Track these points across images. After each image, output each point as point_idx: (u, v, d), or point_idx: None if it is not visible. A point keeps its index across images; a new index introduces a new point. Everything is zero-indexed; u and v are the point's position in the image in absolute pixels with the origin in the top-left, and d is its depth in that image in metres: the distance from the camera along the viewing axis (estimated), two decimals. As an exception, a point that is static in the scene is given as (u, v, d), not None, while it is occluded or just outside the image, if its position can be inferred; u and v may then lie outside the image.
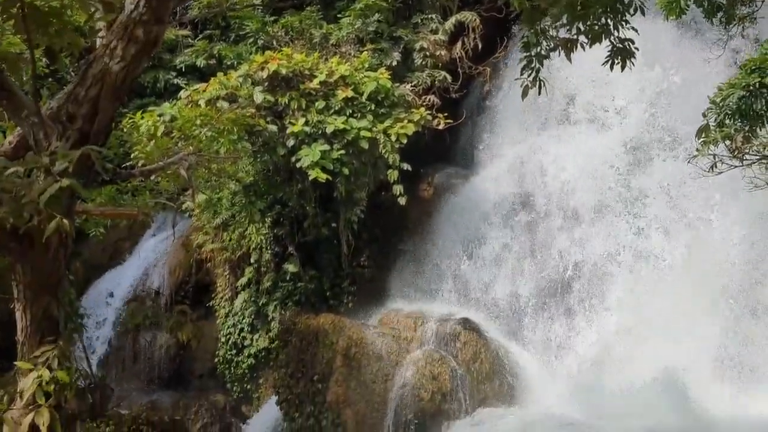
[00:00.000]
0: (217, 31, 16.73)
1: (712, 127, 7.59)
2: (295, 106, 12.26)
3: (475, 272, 13.39)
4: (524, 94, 6.39)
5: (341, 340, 11.41)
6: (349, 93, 12.42)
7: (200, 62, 16.05)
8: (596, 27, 6.04)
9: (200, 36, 16.80)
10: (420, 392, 10.85)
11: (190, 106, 11.70)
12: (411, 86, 13.89)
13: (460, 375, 11.08)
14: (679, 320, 10.75)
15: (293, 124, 12.12)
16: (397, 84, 13.23)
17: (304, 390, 11.43)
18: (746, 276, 11.07)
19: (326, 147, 11.98)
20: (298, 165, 11.96)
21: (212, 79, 12.34)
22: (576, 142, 13.23)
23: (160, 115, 10.54)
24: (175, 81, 16.16)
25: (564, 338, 12.18)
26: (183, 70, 16.41)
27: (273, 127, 12.18)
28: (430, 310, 12.42)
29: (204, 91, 12.07)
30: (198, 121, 10.56)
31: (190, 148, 10.52)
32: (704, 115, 7.73)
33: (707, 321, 10.90)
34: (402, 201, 12.43)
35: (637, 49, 6.20)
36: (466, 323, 11.83)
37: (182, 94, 12.39)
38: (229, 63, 15.10)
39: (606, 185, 12.59)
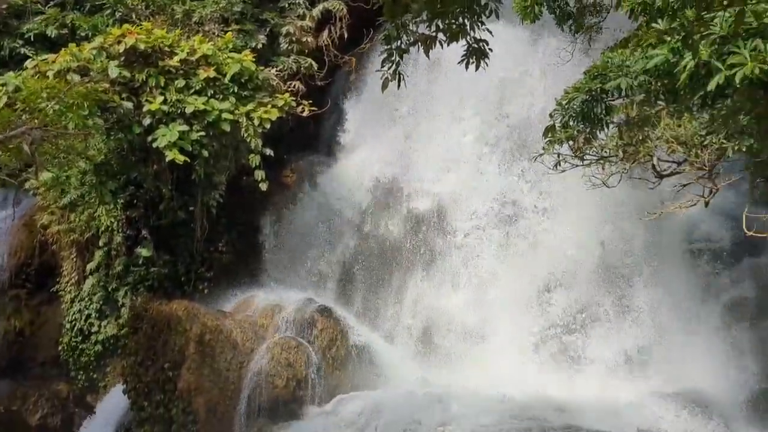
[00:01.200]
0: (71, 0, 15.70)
1: (557, 128, 8.03)
2: (153, 84, 11.79)
3: (335, 260, 13.51)
4: (384, 86, 6.46)
5: (195, 327, 11.15)
6: (212, 73, 12.09)
7: (51, 31, 14.99)
8: (454, 26, 6.20)
9: (52, 3, 15.68)
10: (275, 380, 10.84)
11: (37, 77, 10.99)
12: (276, 71, 13.72)
13: (316, 362, 11.15)
14: (514, 305, 11.44)
15: (150, 102, 11.65)
16: (262, 67, 13.02)
17: (154, 378, 11.07)
18: (576, 267, 11.90)
19: (185, 128, 11.62)
20: (154, 145, 11.53)
21: (63, 50, 11.61)
22: (436, 134, 13.60)
23: (2, 85, 9.82)
24: (22, 50, 14.98)
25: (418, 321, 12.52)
26: (31, 39, 15.23)
27: (128, 104, 11.65)
28: (287, 297, 12.33)
29: (53, 62, 11.35)
30: (45, 94, 9.96)
31: (35, 121, 9.91)
32: (551, 116, 8.15)
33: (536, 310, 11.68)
34: (263, 187, 12.26)
35: (491, 50, 6.44)
36: (324, 310, 11.90)
37: (29, 63, 11.60)
38: (83, 34, 14.23)
39: (462, 174, 13.10)
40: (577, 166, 8.24)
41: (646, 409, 10.03)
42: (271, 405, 10.75)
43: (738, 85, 5.70)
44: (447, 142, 13.41)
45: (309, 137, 14.85)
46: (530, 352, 11.63)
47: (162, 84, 11.85)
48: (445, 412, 9.55)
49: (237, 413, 10.75)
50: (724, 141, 7.07)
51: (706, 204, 7.80)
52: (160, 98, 11.69)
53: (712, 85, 5.81)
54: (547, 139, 8.07)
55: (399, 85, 6.54)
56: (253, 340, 11.31)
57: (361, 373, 11.48)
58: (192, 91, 11.97)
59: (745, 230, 7.85)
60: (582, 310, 11.83)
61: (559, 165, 8.26)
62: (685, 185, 7.97)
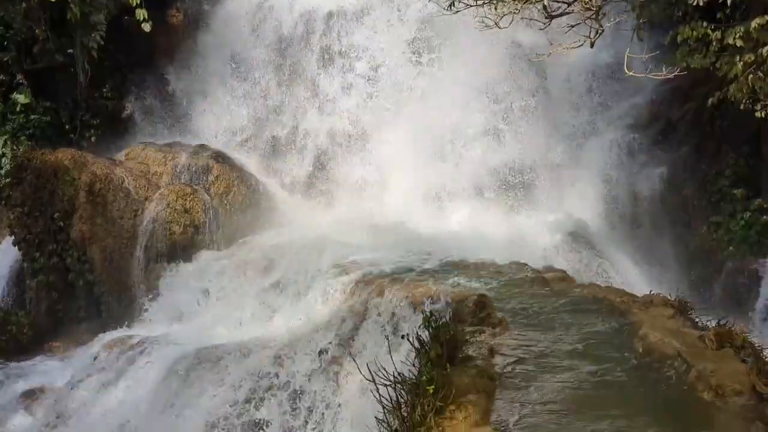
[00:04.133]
0: None
1: (453, -33, 7.87)
2: None
3: (234, 102, 13.21)
4: None
5: (84, 176, 10.88)
6: None
7: None
8: None
9: None
10: (171, 226, 10.90)
11: None
12: None
13: (213, 208, 11.22)
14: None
15: (11, -69, 10.49)
16: None
17: (45, 228, 10.87)
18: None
19: (55, -40, 10.58)
20: (20, -21, 10.53)
21: None
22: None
23: None
24: None
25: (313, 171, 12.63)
26: None
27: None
28: (181, 143, 12.16)
29: None
30: None
31: None
32: (446, -46, 7.95)
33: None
34: (146, 27, 11.48)
35: None
36: (219, 156, 11.82)
37: None
38: None
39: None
40: (470, 6, 8.18)
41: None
42: (170, 251, 10.86)
43: None
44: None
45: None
46: (419, 194, 11.91)
47: None
48: (343, 250, 9.78)
49: (134, 259, 10.84)
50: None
51: (592, 44, 7.98)
52: (22, -75, 10.54)
53: None
54: (441, -22, 7.93)
55: None
56: (146, 188, 11.20)
57: (261, 218, 11.62)
58: None
59: (626, 70, 8.15)
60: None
61: (453, 5, 8.18)
62: (573, 26, 8.08)
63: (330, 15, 12.93)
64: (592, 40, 7.91)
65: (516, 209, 11.75)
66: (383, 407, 4.81)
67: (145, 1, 11.43)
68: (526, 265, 8.62)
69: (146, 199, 11.06)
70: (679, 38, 8.78)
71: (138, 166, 11.45)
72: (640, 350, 5.41)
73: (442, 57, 12.36)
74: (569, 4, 8.18)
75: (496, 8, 8.03)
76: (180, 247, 10.92)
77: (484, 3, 8.09)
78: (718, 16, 8.73)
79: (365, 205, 11.63)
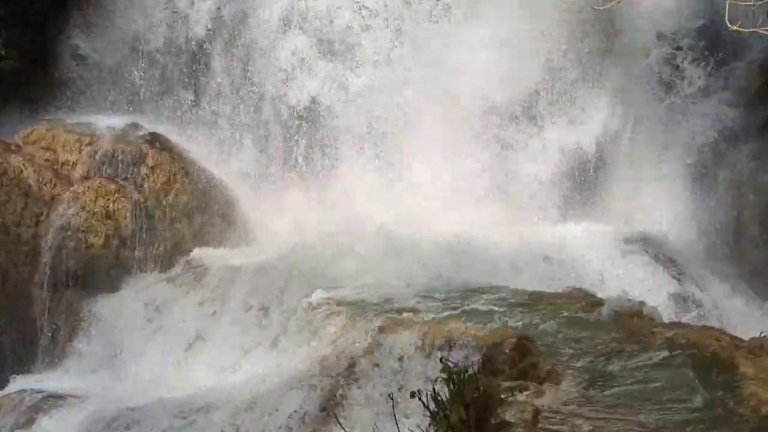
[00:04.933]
0: None
1: None
2: None
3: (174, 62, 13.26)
4: None
5: (-35, 166, 10.89)
6: None
7: None
8: None
9: None
10: (88, 237, 10.90)
11: None
12: None
13: (148, 211, 11.21)
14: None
15: None
16: None
17: None
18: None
19: None
20: None
21: None
22: None
23: None
24: None
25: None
26: None
27: None
28: (102, 122, 12.11)
29: None
30: None
31: None
32: None
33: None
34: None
35: None
36: (156, 140, 11.81)
37: None
38: None
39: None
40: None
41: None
42: (86, 272, 10.87)
43: None
44: None
45: None
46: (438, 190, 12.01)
47: None
48: (333, 270, 9.78)
49: (36, 282, 10.81)
50: None
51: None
52: None
53: None
54: None
55: None
56: (54, 183, 11.19)
57: (217, 226, 11.65)
58: None
59: (728, 23, 8.09)
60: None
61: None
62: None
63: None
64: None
65: (567, 214, 11.99)
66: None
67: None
68: (585, 292, 8.59)
69: (53, 198, 11.03)
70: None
71: (42, 153, 11.42)
72: (748, 418, 5.37)
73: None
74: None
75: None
76: (100, 266, 10.92)
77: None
78: None
79: (367, 206, 11.62)
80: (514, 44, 12.19)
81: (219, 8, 13.18)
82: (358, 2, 12.86)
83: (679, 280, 10.81)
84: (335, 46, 12.93)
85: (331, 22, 12.91)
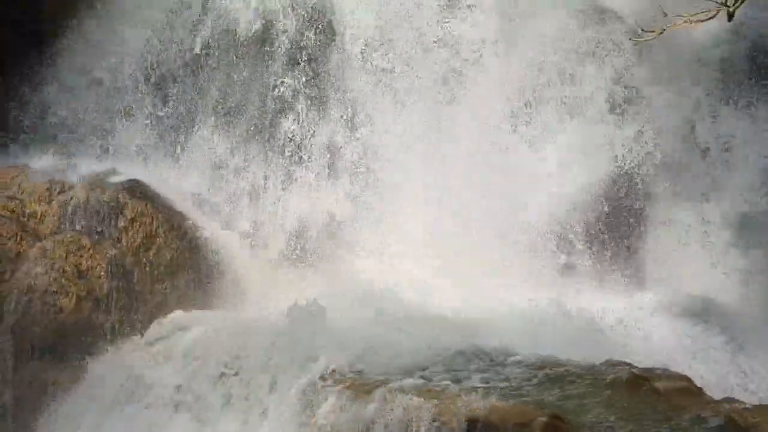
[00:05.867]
0: None
1: None
2: None
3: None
4: None
5: None
6: None
7: None
8: None
9: None
10: (58, 299, 10.82)
11: None
12: None
13: (125, 269, 11.19)
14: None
15: None
16: None
17: None
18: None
19: None
20: None
21: None
22: None
23: None
24: None
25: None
26: None
27: None
28: (77, 167, 12.19)
29: None
30: None
31: None
32: None
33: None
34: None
35: None
36: (136, 188, 11.81)
37: None
38: None
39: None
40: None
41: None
42: (55, 338, 10.75)
43: None
44: None
45: None
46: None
47: None
48: (329, 342, 9.77)
49: (-1, 353, 10.77)
50: None
51: (730, 17, 7.95)
52: None
53: None
54: None
55: None
56: (20, 237, 11.13)
57: (202, 287, 11.67)
58: None
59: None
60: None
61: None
62: (699, -13, 8.06)
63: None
64: (731, 8, 7.86)
65: (595, 276, 12.12)
66: None
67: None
68: (625, 364, 8.52)
69: (18, 255, 10.98)
70: None
71: (6, 203, 11.40)
72: None
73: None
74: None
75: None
76: (71, 332, 10.80)
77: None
78: None
79: (367, 270, 11.70)
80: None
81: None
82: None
83: (730, 349, 10.78)
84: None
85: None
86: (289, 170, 12.84)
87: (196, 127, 13.22)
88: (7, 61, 13.33)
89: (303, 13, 13.24)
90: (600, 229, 12.31)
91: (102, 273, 10.98)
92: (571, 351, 9.03)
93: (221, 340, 10.26)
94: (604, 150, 12.52)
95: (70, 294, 10.83)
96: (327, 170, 12.89)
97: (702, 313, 11.22)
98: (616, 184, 12.45)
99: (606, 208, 12.36)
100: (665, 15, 8.62)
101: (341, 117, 12.92)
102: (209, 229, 12.06)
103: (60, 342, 10.77)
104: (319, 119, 12.95)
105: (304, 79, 13.05)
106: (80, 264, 10.96)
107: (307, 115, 12.92)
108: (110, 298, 10.95)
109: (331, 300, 10.38)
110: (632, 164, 12.45)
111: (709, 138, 12.56)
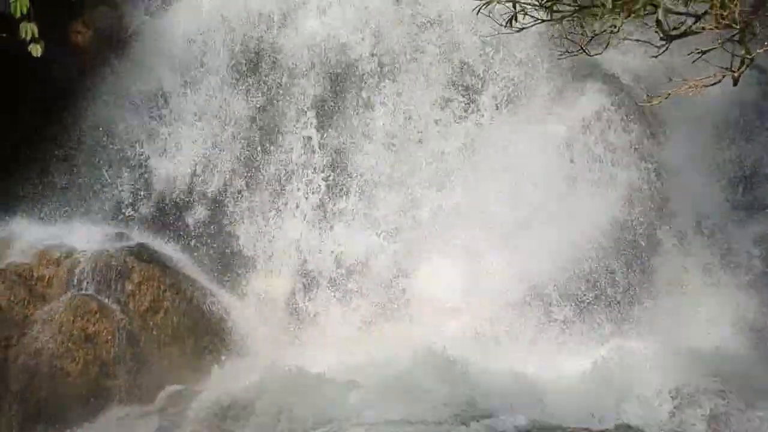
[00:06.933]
0: None
1: (514, -40, 7.98)
2: None
3: (163, 164, 13.48)
4: None
5: None
6: None
7: None
8: None
9: None
10: (65, 363, 10.84)
11: None
12: None
13: (132, 334, 11.19)
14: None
15: None
16: None
17: None
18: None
19: None
20: None
21: None
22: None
23: None
24: None
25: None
26: None
27: None
28: (84, 232, 12.30)
29: None
30: None
31: None
32: (503, -62, 8.09)
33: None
34: (36, 51, 11.75)
35: None
36: (144, 252, 11.90)
37: None
38: None
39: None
40: (542, 21, 8.25)
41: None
42: (61, 403, 10.73)
43: None
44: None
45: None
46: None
47: None
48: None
49: (3, 416, 10.65)
50: (766, -18, 7.19)
51: (735, 81, 7.99)
52: None
53: None
54: (497, -24, 8.03)
55: None
56: (27, 301, 11.19)
57: (210, 353, 11.66)
58: None
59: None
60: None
61: (516, 20, 8.26)
62: (705, 52, 8.11)
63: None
64: (736, 73, 7.91)
65: (605, 331, 11.90)
66: None
67: (38, 12, 11.83)
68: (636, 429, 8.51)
69: (26, 319, 11.03)
70: None
71: (14, 268, 11.47)
72: None
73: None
74: (698, 18, 8.25)
75: (582, 24, 8.09)
76: (78, 398, 10.80)
77: (564, 16, 8.17)
78: None
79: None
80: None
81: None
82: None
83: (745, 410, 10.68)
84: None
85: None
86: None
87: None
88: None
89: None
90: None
91: (109, 337, 10.98)
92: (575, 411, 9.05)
93: (223, 411, 10.23)
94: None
95: (77, 359, 10.84)
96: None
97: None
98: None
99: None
100: (670, 80, 8.67)
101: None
102: (216, 293, 12.11)
103: (67, 407, 10.74)
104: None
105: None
106: (87, 328, 10.96)
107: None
108: (117, 362, 10.95)
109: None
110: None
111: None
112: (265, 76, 13.57)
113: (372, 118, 13.18)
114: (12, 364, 10.81)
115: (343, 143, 13.20)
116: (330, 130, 13.22)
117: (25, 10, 11.44)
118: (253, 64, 13.60)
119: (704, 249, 12.43)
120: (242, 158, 13.40)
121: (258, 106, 13.54)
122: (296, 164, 13.24)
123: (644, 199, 12.44)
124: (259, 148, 13.43)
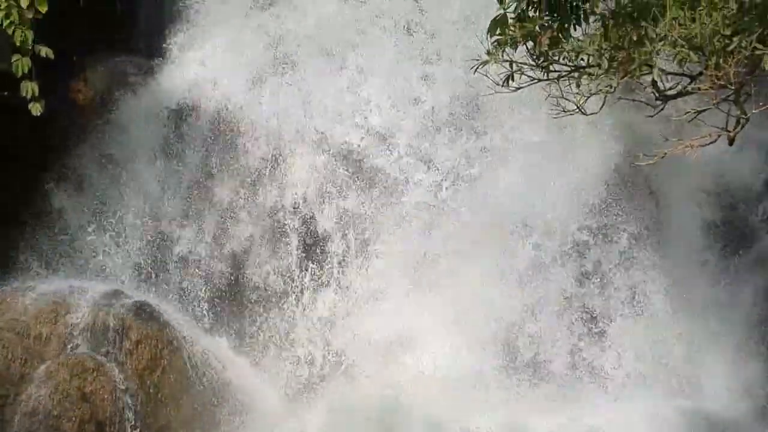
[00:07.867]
0: None
1: (510, 21, 8.08)
2: None
3: (161, 223, 13.62)
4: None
5: None
6: None
7: None
8: None
9: None
10: (61, 423, 10.79)
11: None
12: None
13: (129, 393, 11.16)
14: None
15: None
16: None
17: None
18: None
19: None
20: None
21: None
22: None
23: None
24: None
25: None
26: None
27: None
28: (82, 288, 12.21)
29: None
30: None
31: None
32: (500, 1, 8.20)
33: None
34: (36, 110, 11.89)
35: None
36: (142, 310, 11.84)
37: None
38: None
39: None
40: (539, 81, 8.35)
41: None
42: (56, 463, 10.69)
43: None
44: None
45: (116, 25, 14.54)
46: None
47: None
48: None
49: (-3, 481, 10.70)
50: (759, 45, 7.28)
51: (731, 141, 8.06)
52: None
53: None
54: (495, 37, 8.14)
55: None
56: (24, 360, 11.17)
57: (207, 409, 11.61)
58: None
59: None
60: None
61: (512, 79, 8.36)
62: (700, 112, 8.19)
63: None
64: (732, 133, 7.99)
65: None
66: None
67: (40, 70, 11.96)
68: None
69: (22, 378, 11.00)
70: None
71: (11, 325, 11.43)
72: None
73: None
74: (693, 79, 8.34)
75: (578, 84, 8.18)
76: (73, 457, 10.77)
77: (561, 76, 8.27)
78: None
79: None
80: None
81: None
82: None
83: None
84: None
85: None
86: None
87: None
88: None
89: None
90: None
91: (106, 396, 10.93)
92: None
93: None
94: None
95: (73, 418, 10.79)
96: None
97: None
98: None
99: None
100: (666, 140, 8.75)
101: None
102: (215, 352, 12.10)
103: (59, 468, 10.74)
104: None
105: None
106: (84, 387, 10.91)
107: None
108: (113, 422, 10.89)
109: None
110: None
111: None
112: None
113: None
114: (8, 422, 10.80)
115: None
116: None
117: (26, 69, 11.62)
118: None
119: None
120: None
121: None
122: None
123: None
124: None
